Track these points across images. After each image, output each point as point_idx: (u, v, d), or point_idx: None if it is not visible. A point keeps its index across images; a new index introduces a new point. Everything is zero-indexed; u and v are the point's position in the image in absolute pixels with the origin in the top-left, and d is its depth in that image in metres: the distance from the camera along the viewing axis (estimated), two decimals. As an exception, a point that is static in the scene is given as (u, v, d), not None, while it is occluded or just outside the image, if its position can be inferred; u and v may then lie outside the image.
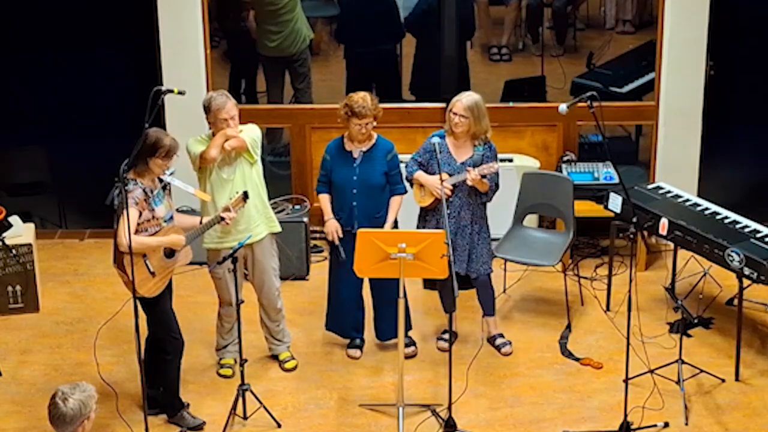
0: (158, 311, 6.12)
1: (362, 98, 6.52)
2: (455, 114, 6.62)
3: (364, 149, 6.67)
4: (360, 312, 6.98)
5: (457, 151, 6.72)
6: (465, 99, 6.62)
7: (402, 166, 6.79)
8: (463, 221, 6.75)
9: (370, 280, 6.83)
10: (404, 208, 6.83)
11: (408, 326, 6.93)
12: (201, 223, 6.27)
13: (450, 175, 6.65)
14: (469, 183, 6.57)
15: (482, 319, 7.07)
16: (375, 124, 6.60)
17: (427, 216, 6.83)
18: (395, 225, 6.75)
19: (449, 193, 6.64)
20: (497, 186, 6.73)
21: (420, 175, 6.75)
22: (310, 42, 8.49)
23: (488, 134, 6.71)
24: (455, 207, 6.72)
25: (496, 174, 6.66)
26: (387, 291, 6.64)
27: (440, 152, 6.56)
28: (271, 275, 6.69)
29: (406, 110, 8.43)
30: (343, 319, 6.97)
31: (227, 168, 6.44)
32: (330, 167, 6.72)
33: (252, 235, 6.47)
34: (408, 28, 8.48)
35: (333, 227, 6.68)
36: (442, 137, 6.72)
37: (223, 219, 6.20)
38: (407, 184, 6.80)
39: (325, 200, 6.76)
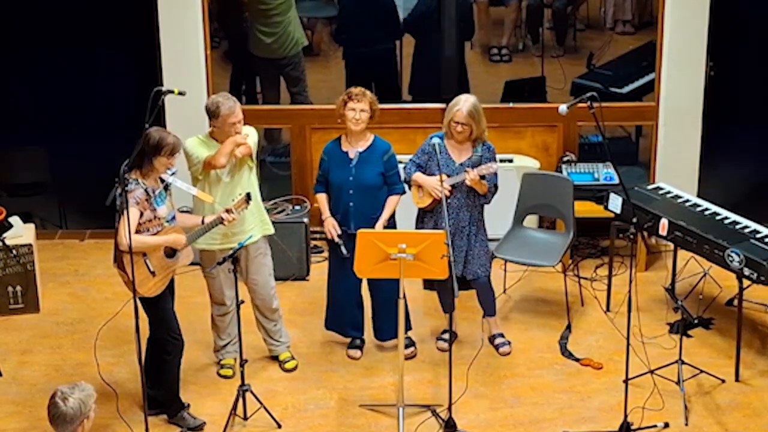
0: (159, 311, 6.12)
1: (361, 89, 6.58)
2: (457, 123, 6.57)
3: (361, 150, 6.66)
4: (359, 311, 6.97)
5: (456, 153, 6.71)
6: (464, 107, 6.55)
7: (401, 167, 6.79)
8: (461, 222, 6.73)
9: (368, 280, 6.83)
10: (402, 209, 6.82)
11: (407, 327, 6.93)
12: (203, 222, 6.27)
13: (449, 176, 6.64)
14: (468, 183, 6.55)
15: (482, 319, 7.07)
16: (369, 114, 6.57)
17: (425, 218, 6.81)
18: (392, 225, 6.75)
19: (448, 194, 6.63)
20: (496, 187, 6.71)
21: (418, 176, 6.72)
22: (304, 48, 8.46)
23: (486, 133, 6.69)
24: (454, 208, 6.70)
25: (495, 175, 6.65)
26: (385, 291, 6.65)
27: (440, 153, 6.55)
28: (265, 275, 6.68)
29: (406, 111, 8.44)
30: (342, 318, 6.97)
31: (227, 172, 6.44)
32: (327, 168, 6.72)
33: (251, 237, 6.47)
34: (407, 29, 8.47)
35: (330, 224, 6.68)
36: (442, 138, 6.71)
37: (222, 220, 6.19)
38: (406, 186, 6.80)
39: (322, 199, 6.77)
